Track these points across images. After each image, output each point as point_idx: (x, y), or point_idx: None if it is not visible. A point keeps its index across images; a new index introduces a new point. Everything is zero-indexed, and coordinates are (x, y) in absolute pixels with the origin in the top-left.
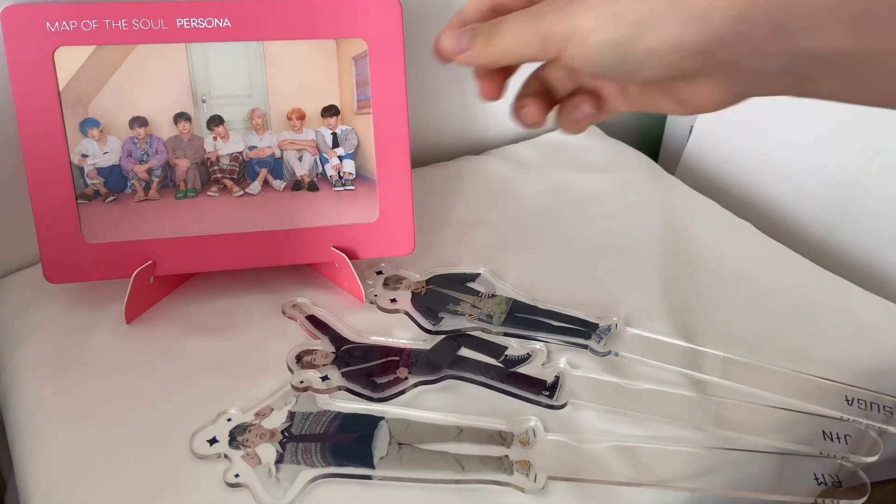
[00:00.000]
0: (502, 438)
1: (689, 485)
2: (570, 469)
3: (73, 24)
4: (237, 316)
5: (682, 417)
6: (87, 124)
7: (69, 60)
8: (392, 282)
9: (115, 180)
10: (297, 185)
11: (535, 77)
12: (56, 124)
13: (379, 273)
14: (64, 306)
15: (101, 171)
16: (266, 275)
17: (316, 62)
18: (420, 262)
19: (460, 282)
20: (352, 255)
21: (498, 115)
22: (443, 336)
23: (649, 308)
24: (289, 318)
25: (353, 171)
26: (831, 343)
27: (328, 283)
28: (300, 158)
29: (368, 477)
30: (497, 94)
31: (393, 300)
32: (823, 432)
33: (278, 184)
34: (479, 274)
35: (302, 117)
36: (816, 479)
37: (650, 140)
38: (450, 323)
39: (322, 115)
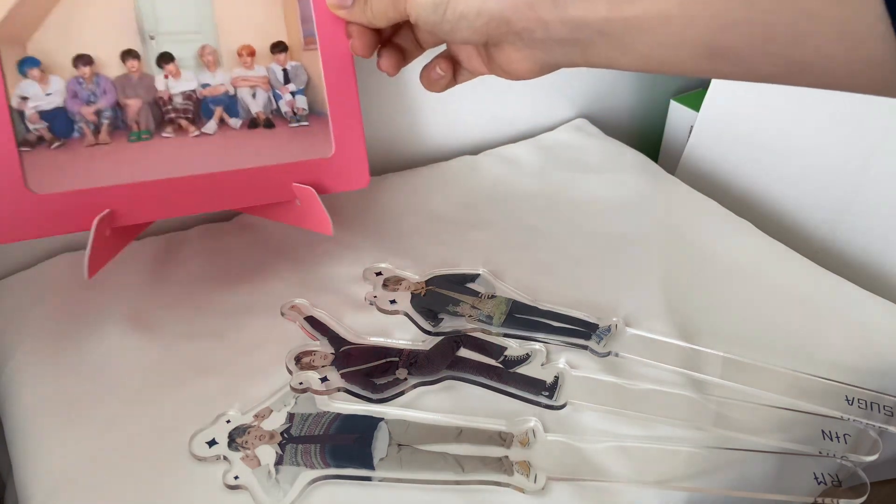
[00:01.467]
0: (502, 439)
1: (689, 485)
2: (570, 469)
3: None
4: (236, 317)
5: (682, 417)
6: (27, 64)
7: None
8: (391, 283)
9: (60, 124)
10: (253, 123)
11: (396, 37)
12: None
13: (378, 274)
14: (64, 307)
15: (44, 115)
16: (264, 275)
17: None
18: (418, 263)
19: (460, 282)
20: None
21: (496, 115)
22: (442, 337)
23: (649, 308)
24: (288, 319)
25: (306, 107)
26: (831, 343)
27: (327, 284)
28: (254, 95)
29: (368, 478)
30: (367, 52)
31: (392, 301)
32: (823, 432)
33: (234, 122)
34: (479, 274)
35: (252, 54)
36: (816, 478)
37: (650, 140)
38: (449, 324)
39: (271, 52)
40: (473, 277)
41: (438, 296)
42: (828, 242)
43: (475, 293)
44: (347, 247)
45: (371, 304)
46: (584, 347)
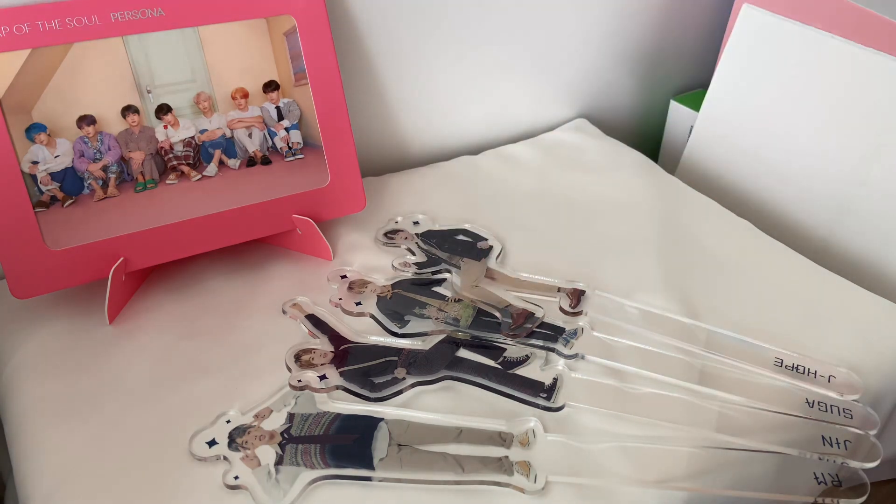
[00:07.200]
0: (502, 439)
1: (689, 485)
2: (569, 469)
3: (6, 29)
4: (236, 317)
5: (680, 421)
6: (34, 130)
7: (5, 67)
8: (357, 286)
9: (70, 183)
10: (250, 162)
11: None
12: (0, 134)
13: (343, 277)
14: (64, 308)
15: (54, 176)
16: (264, 276)
17: (250, 41)
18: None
19: (426, 286)
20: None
21: (496, 115)
22: (442, 337)
23: (649, 308)
24: (290, 317)
25: (301, 141)
26: (831, 342)
27: (326, 284)
28: (250, 135)
29: (368, 478)
30: None
31: (358, 303)
32: (823, 437)
33: (233, 162)
34: (445, 279)
35: (246, 95)
36: (816, 478)
37: (650, 140)
38: (416, 326)
39: (264, 91)
40: (440, 281)
41: (404, 298)
42: (828, 242)
43: (442, 297)
44: (348, 246)
45: (336, 306)
46: (552, 350)
